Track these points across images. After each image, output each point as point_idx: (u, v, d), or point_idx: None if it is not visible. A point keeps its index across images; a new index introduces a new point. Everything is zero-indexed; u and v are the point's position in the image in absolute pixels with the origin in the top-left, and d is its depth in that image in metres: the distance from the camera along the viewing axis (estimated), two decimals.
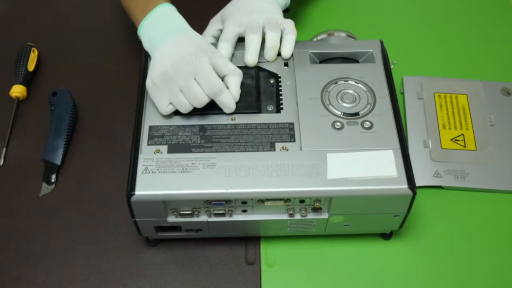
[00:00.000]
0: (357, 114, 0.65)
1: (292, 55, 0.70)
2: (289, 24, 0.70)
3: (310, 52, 0.71)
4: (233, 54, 0.70)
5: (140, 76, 0.69)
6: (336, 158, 0.61)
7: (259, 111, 0.66)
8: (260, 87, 0.67)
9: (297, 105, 0.66)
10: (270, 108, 0.66)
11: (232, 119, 0.65)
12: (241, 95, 0.66)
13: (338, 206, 0.62)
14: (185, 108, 0.63)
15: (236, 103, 0.65)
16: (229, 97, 0.64)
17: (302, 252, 0.69)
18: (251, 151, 0.62)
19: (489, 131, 0.77)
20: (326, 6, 0.94)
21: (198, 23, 0.68)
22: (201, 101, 0.63)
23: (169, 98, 0.63)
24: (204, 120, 0.65)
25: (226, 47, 0.69)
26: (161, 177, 0.60)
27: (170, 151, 0.62)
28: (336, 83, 0.68)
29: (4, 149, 0.77)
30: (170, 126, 0.64)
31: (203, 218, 0.63)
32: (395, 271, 0.67)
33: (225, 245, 0.69)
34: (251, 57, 0.69)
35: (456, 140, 0.76)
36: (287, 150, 0.62)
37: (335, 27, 0.77)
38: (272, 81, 0.68)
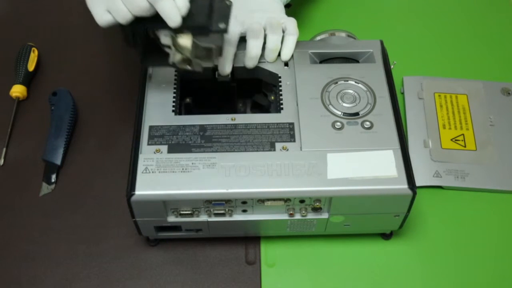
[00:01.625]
0: (357, 114, 0.65)
1: (292, 55, 0.70)
2: (292, 23, 0.70)
3: (310, 52, 0.71)
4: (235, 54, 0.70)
5: (140, 75, 0.69)
6: (336, 158, 0.61)
7: (208, 28, 0.60)
8: (213, 5, 0.62)
9: (297, 105, 0.66)
10: (222, 25, 0.60)
11: (232, 119, 0.65)
12: (190, 11, 0.59)
13: (338, 206, 0.62)
14: (123, 16, 0.57)
15: (183, 18, 0.58)
16: (171, 5, 0.56)
17: (302, 252, 0.69)
18: (251, 151, 0.62)
19: (489, 131, 0.77)
20: (326, 6, 0.94)
21: None
22: (140, 7, 0.56)
23: (106, 5, 0.58)
24: (204, 120, 0.65)
25: (228, 49, 0.69)
26: (161, 177, 0.60)
27: (170, 151, 0.62)
28: (336, 83, 0.68)
29: (4, 149, 0.77)
30: (170, 126, 0.64)
31: (203, 218, 0.63)
32: (395, 271, 0.67)
33: (225, 245, 0.69)
34: (250, 63, 0.69)
35: (456, 140, 0.76)
36: (287, 150, 0.62)
37: (335, 27, 0.77)
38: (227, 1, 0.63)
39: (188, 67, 0.63)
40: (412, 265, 0.68)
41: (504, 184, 0.73)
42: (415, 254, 0.69)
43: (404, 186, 0.60)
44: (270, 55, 0.69)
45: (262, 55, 0.70)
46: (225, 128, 0.64)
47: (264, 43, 0.69)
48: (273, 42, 0.69)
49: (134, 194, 0.59)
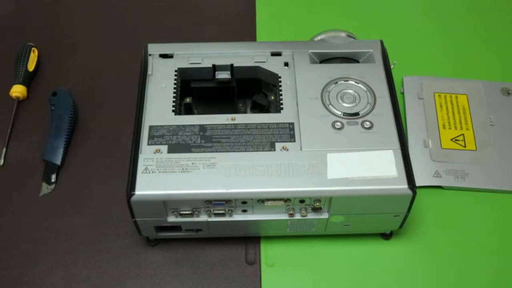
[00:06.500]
0: (357, 114, 0.65)
1: (292, 55, 0.70)
2: None
3: (310, 52, 0.71)
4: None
5: (140, 75, 0.69)
6: (336, 158, 0.61)
7: None
8: None
9: (297, 105, 0.66)
10: None
11: (232, 119, 0.65)
12: None
13: (338, 206, 0.62)
14: None
15: None
16: None
17: (302, 252, 0.69)
18: (251, 151, 0.62)
19: (489, 131, 0.77)
20: (326, 6, 0.94)
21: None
22: None
23: None
24: (204, 120, 0.65)
25: None
26: (161, 177, 0.60)
27: (170, 151, 0.62)
28: (336, 83, 0.68)
29: (4, 149, 0.77)
30: (170, 126, 0.64)
31: (203, 218, 0.63)
32: (395, 271, 0.67)
33: (225, 245, 0.69)
34: None
35: (456, 140, 0.76)
36: (287, 150, 0.62)
37: (335, 27, 0.77)
38: None
39: None
40: (412, 265, 0.68)
41: (504, 184, 0.73)
42: (415, 254, 0.69)
43: (404, 186, 0.60)
44: None
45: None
46: (225, 128, 0.64)
47: None
48: None
49: (134, 194, 0.59)
